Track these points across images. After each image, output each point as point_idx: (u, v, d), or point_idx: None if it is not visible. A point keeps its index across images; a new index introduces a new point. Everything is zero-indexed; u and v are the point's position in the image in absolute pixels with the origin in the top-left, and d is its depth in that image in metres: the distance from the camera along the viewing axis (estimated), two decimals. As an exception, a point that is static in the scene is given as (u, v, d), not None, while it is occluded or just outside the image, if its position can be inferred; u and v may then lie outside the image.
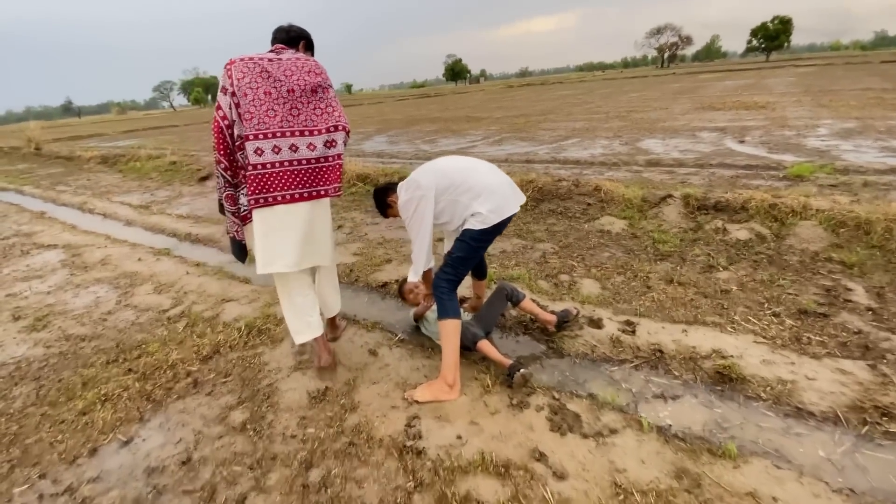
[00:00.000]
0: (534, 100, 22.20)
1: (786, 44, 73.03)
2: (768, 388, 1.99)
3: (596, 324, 2.53)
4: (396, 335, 2.59)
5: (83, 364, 2.60)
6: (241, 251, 2.20)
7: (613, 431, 1.78)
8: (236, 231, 2.14)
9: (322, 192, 2.07)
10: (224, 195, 2.07)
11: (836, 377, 2.01)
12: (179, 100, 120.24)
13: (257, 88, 1.92)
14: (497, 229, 2.08)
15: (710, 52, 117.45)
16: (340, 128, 2.05)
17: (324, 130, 2.02)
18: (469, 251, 2.08)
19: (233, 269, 3.85)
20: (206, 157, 9.88)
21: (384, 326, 2.73)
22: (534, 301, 2.61)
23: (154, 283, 3.68)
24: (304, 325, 2.23)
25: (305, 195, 2.01)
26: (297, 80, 1.98)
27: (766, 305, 2.62)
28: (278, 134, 1.94)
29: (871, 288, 2.70)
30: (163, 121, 33.74)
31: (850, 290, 2.70)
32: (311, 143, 2.01)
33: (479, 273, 2.68)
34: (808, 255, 3.18)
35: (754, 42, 75.00)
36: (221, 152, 1.97)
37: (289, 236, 2.03)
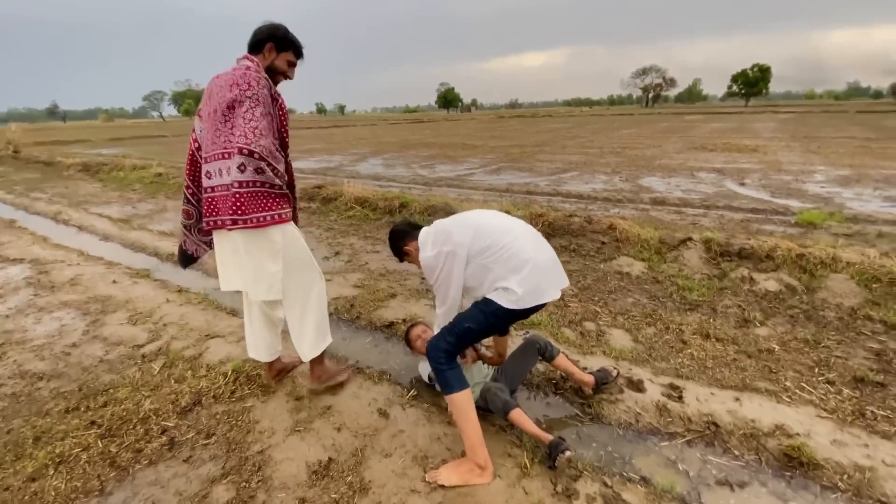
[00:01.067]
0: (526, 131, 22.43)
1: (764, 90, 76.46)
2: (845, 477, 1.72)
3: (636, 386, 2.25)
4: (409, 390, 2.26)
5: (38, 411, 2.20)
6: (184, 259, 2.26)
7: (684, 535, 1.48)
8: (184, 241, 2.21)
9: (219, 223, 1.90)
10: (183, 208, 2.12)
11: (921, 466, 1.75)
12: (169, 110, 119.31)
13: (204, 109, 1.93)
14: (527, 313, 1.79)
15: (692, 95, 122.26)
16: (235, 151, 1.79)
17: (233, 152, 1.81)
18: (483, 326, 1.78)
19: (219, 298, 3.48)
20: (193, 171, 9.49)
21: (393, 377, 2.40)
22: (567, 357, 2.32)
23: (129, 310, 3.29)
24: (257, 342, 2.22)
25: (218, 223, 1.91)
26: (219, 97, 1.85)
27: (816, 370, 2.38)
28: (209, 158, 1.92)
29: (925, 354, 2.49)
30: (151, 130, 33.11)
31: (902, 355, 2.48)
32: (227, 168, 1.86)
33: (503, 331, 2.37)
34: (845, 312, 2.98)
35: (734, 87, 78.35)
36: (187, 173, 2.04)
37: (219, 259, 2.07)
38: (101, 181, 9.78)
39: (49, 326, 3.08)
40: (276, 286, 1.97)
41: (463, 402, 1.72)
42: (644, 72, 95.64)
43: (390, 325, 2.94)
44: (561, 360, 2.20)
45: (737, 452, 1.88)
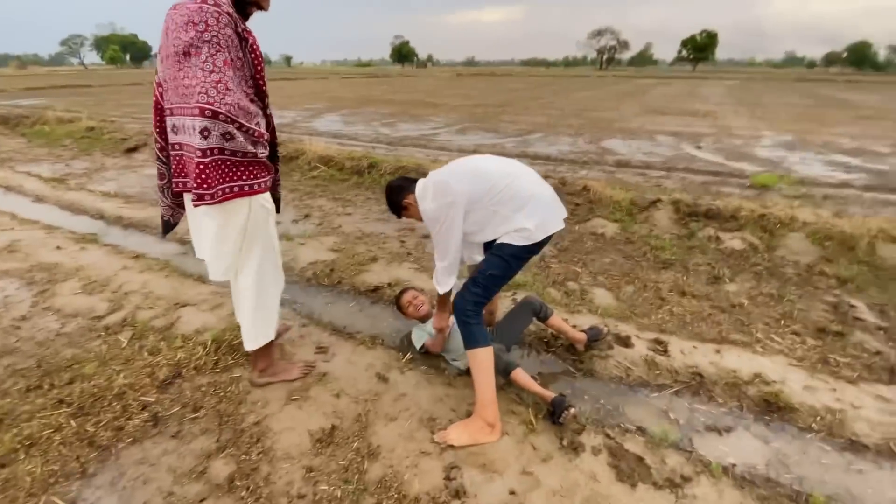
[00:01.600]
0: (486, 90, 22.04)
1: (711, 56, 78.88)
2: (818, 419, 1.88)
3: (624, 342, 2.32)
4: (404, 354, 2.23)
5: (-9, 392, 1.98)
6: (164, 227, 2.00)
7: (686, 479, 1.57)
8: (161, 205, 1.95)
9: (183, 186, 1.71)
10: (156, 167, 1.86)
11: (879, 405, 1.94)
12: (91, 57, 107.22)
13: (162, 51, 1.61)
14: (539, 246, 1.78)
15: (644, 59, 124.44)
16: (197, 112, 1.51)
17: (195, 112, 1.52)
18: (505, 269, 1.77)
19: (183, 264, 3.24)
20: (130, 125, 8.65)
21: (386, 342, 2.35)
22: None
23: (81, 279, 3.00)
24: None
25: (181, 185, 1.73)
26: (174, 38, 1.54)
27: (782, 322, 2.56)
28: (174, 110, 1.63)
29: (873, 305, 2.73)
30: (73, 79, 29.70)
31: (854, 307, 2.71)
32: (181, 125, 1.61)
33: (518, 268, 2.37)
34: (802, 269, 3.20)
35: (683, 52, 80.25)
36: (154, 126, 1.77)
37: (190, 223, 1.87)
38: (24, 136, 8.73)
39: (-12, 298, 2.76)
40: (232, 265, 1.78)
41: (485, 358, 1.72)
42: (599, 33, 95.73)
43: (375, 289, 2.85)
44: (554, 320, 2.23)
45: (721, 400, 2.00)
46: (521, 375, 1.87)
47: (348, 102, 15.29)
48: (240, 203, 1.68)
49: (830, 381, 2.09)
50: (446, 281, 1.86)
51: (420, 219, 1.90)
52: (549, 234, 1.76)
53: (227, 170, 1.60)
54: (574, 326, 2.37)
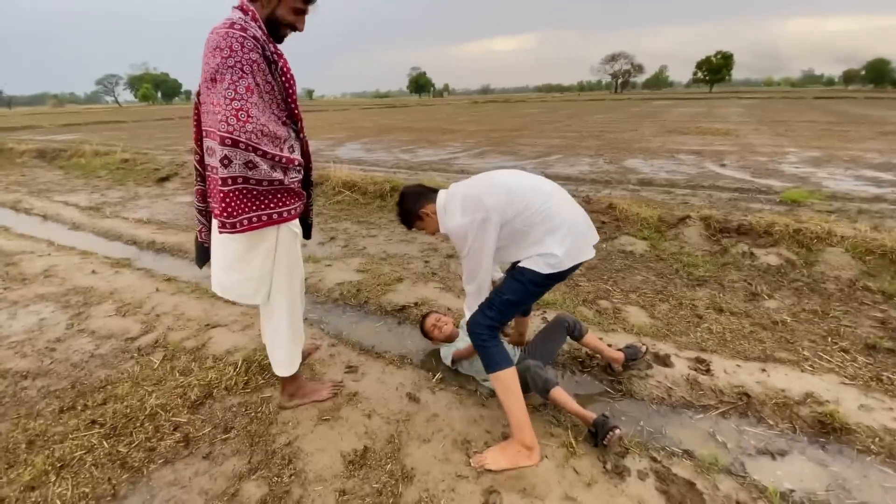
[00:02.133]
0: (502, 116, 22.37)
1: (727, 77, 78.82)
2: (877, 440, 1.76)
3: (664, 361, 2.23)
4: (434, 374, 2.18)
5: (27, 413, 2.00)
6: (200, 254, 1.91)
7: (742, 505, 1.47)
8: (199, 230, 1.87)
9: (213, 209, 1.67)
10: (195, 189, 1.80)
11: (947, 427, 1.81)
12: (125, 95, 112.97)
13: (201, 75, 1.58)
14: (565, 274, 1.72)
15: (659, 81, 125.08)
16: (217, 140, 1.49)
17: (216, 140, 1.51)
18: (524, 296, 1.71)
19: (213, 287, 3.29)
20: (162, 156, 9.00)
21: (415, 362, 2.31)
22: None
23: (115, 301, 3.06)
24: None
25: (213, 208, 1.67)
26: (204, 64, 1.52)
27: (829, 339, 2.43)
28: (207, 133, 1.60)
29: (927, 321, 2.58)
30: (107, 116, 31.29)
31: (905, 323, 2.57)
32: (211, 149, 1.57)
33: (526, 311, 2.31)
34: (844, 284, 3.07)
35: (699, 74, 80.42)
36: (195, 142, 1.71)
37: (213, 248, 1.80)
38: (62, 168, 9.15)
39: (26, 321, 2.83)
40: (263, 289, 1.75)
41: (509, 380, 1.65)
42: (613, 58, 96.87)
43: (402, 308, 2.83)
44: (590, 338, 2.16)
45: (771, 422, 1.89)
46: (560, 394, 1.80)
47: (369, 131, 15.67)
48: (268, 231, 1.65)
49: (886, 399, 1.96)
50: (476, 298, 1.81)
51: (434, 231, 1.84)
52: (578, 262, 1.70)
53: (252, 199, 1.56)
54: (609, 345, 2.29)
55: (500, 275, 2.08)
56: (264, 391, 2.06)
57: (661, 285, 3.12)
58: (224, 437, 1.81)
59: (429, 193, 1.85)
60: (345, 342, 2.47)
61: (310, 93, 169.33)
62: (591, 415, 1.74)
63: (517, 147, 10.37)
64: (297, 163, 1.68)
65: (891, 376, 2.12)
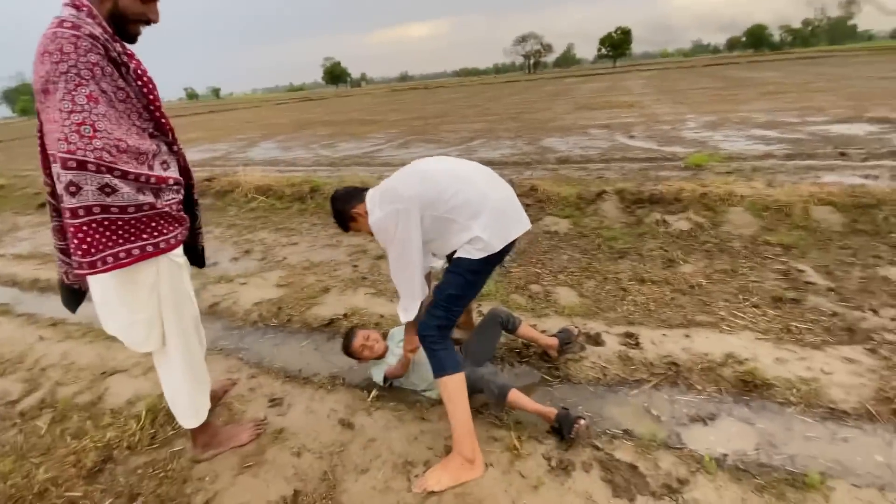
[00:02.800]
0: (423, 103, 22.16)
1: (627, 51, 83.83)
2: (795, 391, 1.87)
3: (595, 340, 2.26)
4: (370, 392, 2.04)
5: None
6: (69, 297, 1.65)
7: (683, 482, 1.49)
8: (64, 271, 1.59)
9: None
10: (52, 226, 1.54)
11: (847, 367, 1.97)
12: (1, 111, 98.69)
13: None
14: (500, 256, 1.65)
15: (568, 59, 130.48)
16: (59, 162, 1.23)
17: (57, 164, 1.25)
18: (465, 286, 1.64)
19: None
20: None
21: (349, 382, 2.15)
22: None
23: (-15, 360, 2.59)
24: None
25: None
26: (34, 74, 1.27)
27: (741, 297, 2.59)
28: (51, 157, 1.32)
29: (819, 267, 2.83)
30: (-31, 136, 27.09)
31: (802, 271, 2.80)
32: (56, 176, 1.31)
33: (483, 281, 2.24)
34: (747, 241, 3.30)
35: (603, 50, 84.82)
36: (43, 172, 1.46)
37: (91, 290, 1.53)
38: (-89, 203, 7.73)
39: None
40: (154, 333, 1.50)
41: (457, 387, 1.57)
42: (524, 39, 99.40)
43: (330, 322, 2.65)
44: (524, 329, 2.12)
45: (699, 387, 1.96)
46: (518, 397, 1.73)
47: (284, 128, 14.85)
48: (144, 266, 1.40)
49: (798, 349, 2.11)
50: (411, 305, 1.69)
51: (370, 232, 1.73)
52: (509, 241, 1.64)
53: (115, 231, 1.29)
54: (543, 332, 2.28)
55: (441, 263, 1.99)
56: (174, 444, 1.81)
57: (585, 262, 3.18)
58: (129, 507, 1.56)
59: (359, 193, 1.78)
60: (267, 371, 2.25)
61: (216, 91, 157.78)
62: (551, 410, 1.70)
63: (441, 134, 10.28)
64: (171, 181, 1.44)
65: (798, 325, 2.29)
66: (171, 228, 1.43)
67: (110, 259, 1.31)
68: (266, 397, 2.04)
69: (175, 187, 1.47)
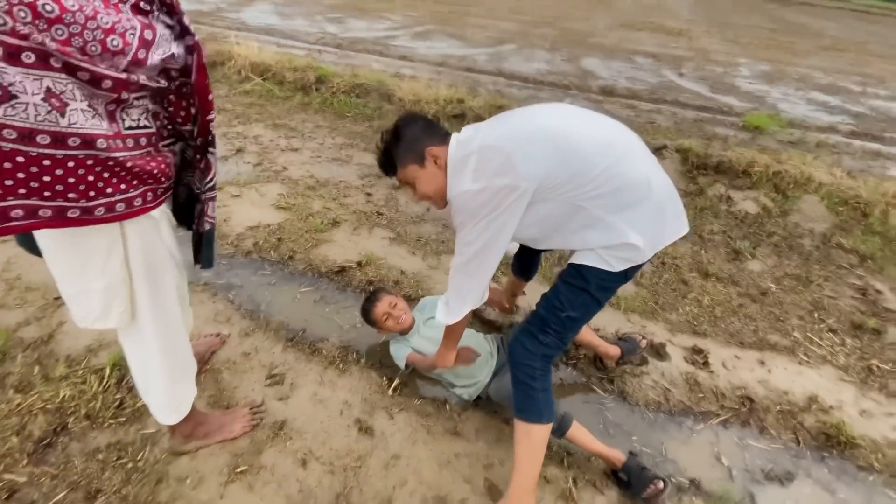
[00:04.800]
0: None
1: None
2: (880, 456, 1.62)
3: (658, 351, 1.92)
4: (389, 378, 1.68)
5: None
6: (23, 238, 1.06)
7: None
8: None
9: None
10: None
11: (941, 435, 1.71)
12: None
13: None
14: (641, 265, 1.22)
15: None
16: None
17: None
18: (589, 307, 1.22)
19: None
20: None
21: (363, 359, 1.78)
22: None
23: None
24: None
25: None
26: None
27: (815, 315, 2.26)
28: None
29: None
30: None
31: (880, 293, 2.47)
32: None
33: (527, 271, 1.83)
34: (818, 240, 2.91)
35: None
36: None
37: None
38: None
39: None
40: (117, 306, 1.06)
41: (543, 438, 1.24)
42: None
43: (341, 270, 2.20)
44: (584, 332, 1.75)
45: (773, 433, 1.68)
46: (580, 433, 1.41)
47: (282, -14, 12.84)
48: (97, 231, 0.95)
49: (883, 400, 1.83)
50: (460, 309, 1.28)
51: (426, 194, 1.26)
52: (662, 248, 1.20)
53: (35, 174, 0.80)
54: (596, 330, 1.92)
55: (514, 247, 1.60)
56: (146, 421, 1.44)
57: (640, 237, 2.76)
58: (85, 509, 1.23)
59: (440, 131, 1.28)
60: (264, 327, 1.85)
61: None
62: (619, 455, 1.40)
63: (466, 28, 9.00)
64: (135, 80, 0.86)
65: (880, 365, 2.00)
66: (133, 184, 0.92)
67: (20, 212, 0.82)
68: (264, 369, 1.66)
69: (146, 83, 0.89)
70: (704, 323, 2.12)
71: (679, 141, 3.63)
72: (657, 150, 3.54)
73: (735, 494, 1.45)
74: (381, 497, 1.31)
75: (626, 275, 1.18)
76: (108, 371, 1.56)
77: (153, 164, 0.95)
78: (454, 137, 1.22)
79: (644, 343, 1.85)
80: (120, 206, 0.92)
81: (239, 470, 1.33)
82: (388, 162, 1.29)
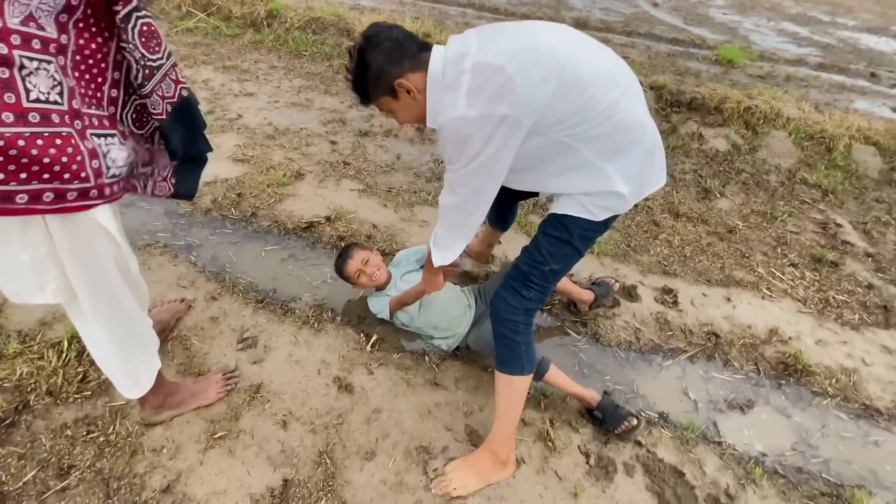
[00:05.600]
0: None
1: None
2: (834, 381, 1.74)
3: (630, 293, 1.96)
4: (367, 335, 1.66)
5: None
6: None
7: (732, 497, 1.34)
8: None
9: None
10: None
11: (886, 359, 1.85)
12: None
13: None
14: (616, 217, 1.18)
15: None
16: None
17: None
18: (570, 258, 1.19)
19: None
20: None
21: (338, 316, 1.74)
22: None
23: None
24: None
25: None
26: None
27: (779, 250, 2.34)
28: None
29: (857, 224, 2.60)
30: None
31: (840, 226, 2.56)
32: None
33: (504, 221, 1.80)
34: (784, 175, 2.96)
35: None
36: None
37: None
38: None
39: None
40: (50, 280, 0.98)
41: (524, 388, 1.25)
42: None
43: (309, 226, 2.11)
44: (566, 283, 1.75)
45: (737, 364, 1.77)
46: (557, 375, 1.43)
47: None
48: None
49: (839, 330, 1.94)
50: (454, 247, 1.20)
51: (409, 119, 1.15)
52: (643, 197, 1.17)
53: None
54: (570, 276, 1.93)
55: None
56: (112, 394, 1.39)
57: (614, 179, 2.73)
58: (60, 485, 1.20)
59: (417, 48, 1.07)
60: (231, 289, 1.77)
61: None
62: (593, 395, 1.45)
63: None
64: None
65: (836, 296, 2.10)
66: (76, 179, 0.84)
67: None
68: (234, 333, 1.60)
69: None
70: (674, 263, 2.16)
71: (653, 77, 3.53)
72: (631, 88, 3.45)
73: (699, 423, 1.54)
74: (363, 451, 1.32)
75: (607, 223, 1.15)
76: (65, 344, 1.47)
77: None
78: (438, 53, 1.05)
79: (616, 286, 1.88)
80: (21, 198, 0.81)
81: (217, 436, 1.31)
82: (361, 92, 1.13)
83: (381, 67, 1.05)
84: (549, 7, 5.90)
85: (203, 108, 2.90)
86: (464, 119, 0.98)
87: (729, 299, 2.00)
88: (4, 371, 1.40)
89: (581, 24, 5.47)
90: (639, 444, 1.44)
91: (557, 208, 1.14)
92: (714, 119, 3.28)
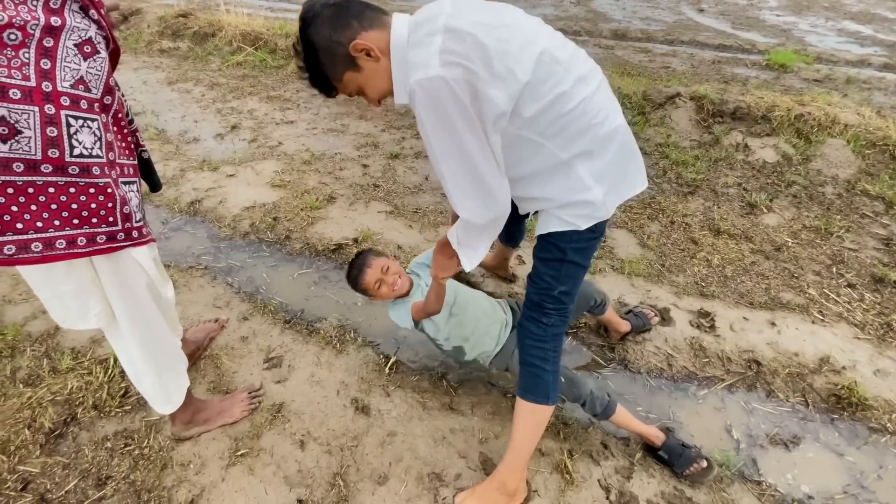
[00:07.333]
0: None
1: None
2: (894, 417, 1.56)
3: (663, 316, 1.86)
4: (386, 358, 1.68)
5: None
6: None
7: (771, 545, 1.23)
8: None
9: None
10: None
11: (962, 393, 1.64)
12: None
13: None
14: (606, 222, 1.13)
15: None
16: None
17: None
18: (577, 274, 1.16)
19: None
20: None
21: (361, 336, 1.78)
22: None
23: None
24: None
25: None
26: None
27: (834, 269, 2.15)
28: None
29: (928, 239, 2.35)
30: None
31: (907, 242, 2.32)
32: None
33: (512, 238, 1.80)
34: (842, 187, 2.73)
35: None
36: None
37: None
38: None
39: None
40: (93, 307, 1.08)
41: (546, 418, 1.22)
42: None
43: (337, 248, 2.18)
44: (609, 313, 1.69)
45: (781, 396, 1.64)
46: (624, 416, 1.38)
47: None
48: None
49: (901, 358, 1.75)
50: (479, 243, 1.08)
51: (377, 96, 1.05)
52: (623, 201, 1.12)
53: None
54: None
55: None
56: (149, 409, 1.48)
57: (648, 194, 2.63)
58: (97, 495, 1.29)
59: (360, 8, 0.97)
60: (262, 309, 1.86)
61: None
62: (658, 434, 1.39)
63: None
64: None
65: (899, 321, 1.90)
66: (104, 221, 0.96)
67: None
68: (262, 353, 1.68)
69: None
70: (713, 284, 2.04)
71: (693, 87, 3.39)
72: (669, 99, 3.34)
73: (736, 460, 1.43)
74: (377, 474, 1.33)
75: (596, 230, 1.09)
76: (111, 361, 1.60)
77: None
78: (402, 18, 0.97)
79: (656, 320, 1.79)
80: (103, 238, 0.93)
81: (239, 453, 1.37)
82: (321, 82, 1.03)
83: (329, 38, 0.94)
84: (585, 20, 5.84)
85: (247, 136, 3.11)
86: (439, 79, 0.87)
87: (774, 324, 1.86)
88: (58, 385, 1.54)
89: (620, 36, 5.37)
90: (666, 481, 1.35)
91: (541, 229, 1.12)
92: (761, 128, 3.10)
